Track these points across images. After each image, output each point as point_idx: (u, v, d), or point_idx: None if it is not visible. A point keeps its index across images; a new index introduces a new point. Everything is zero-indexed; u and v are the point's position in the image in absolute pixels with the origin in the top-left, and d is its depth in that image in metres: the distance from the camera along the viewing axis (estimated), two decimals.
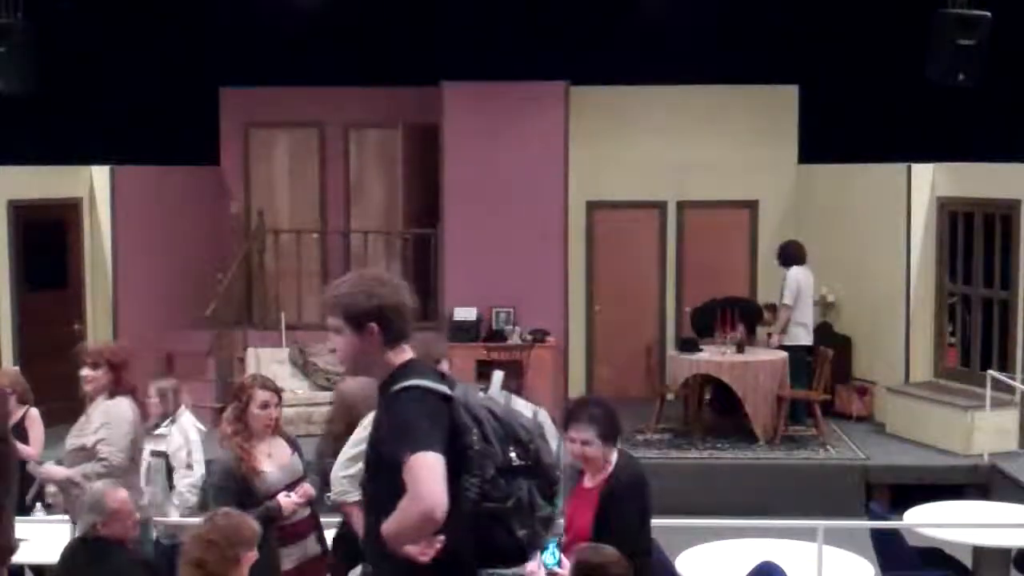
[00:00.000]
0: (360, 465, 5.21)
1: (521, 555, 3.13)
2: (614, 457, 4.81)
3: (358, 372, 3.40)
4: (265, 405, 5.30)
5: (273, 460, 5.30)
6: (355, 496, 5.29)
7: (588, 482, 4.89)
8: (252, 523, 4.27)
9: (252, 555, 4.12)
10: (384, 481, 3.11)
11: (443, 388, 3.12)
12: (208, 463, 5.82)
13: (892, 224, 11.29)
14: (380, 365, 3.22)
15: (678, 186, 12.69)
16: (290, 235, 12.55)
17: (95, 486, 5.38)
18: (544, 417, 3.19)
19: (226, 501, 5.06)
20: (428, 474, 2.95)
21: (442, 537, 3.01)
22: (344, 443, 5.09)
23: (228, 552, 4.02)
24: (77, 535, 5.31)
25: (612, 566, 4.12)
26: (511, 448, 3.09)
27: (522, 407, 3.20)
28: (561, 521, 4.95)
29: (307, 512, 5.36)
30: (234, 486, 5.14)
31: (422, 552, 3.01)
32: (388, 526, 3.03)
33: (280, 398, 5.48)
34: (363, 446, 5.23)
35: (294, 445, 5.52)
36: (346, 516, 5.36)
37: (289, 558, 5.19)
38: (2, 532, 4.05)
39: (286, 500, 5.20)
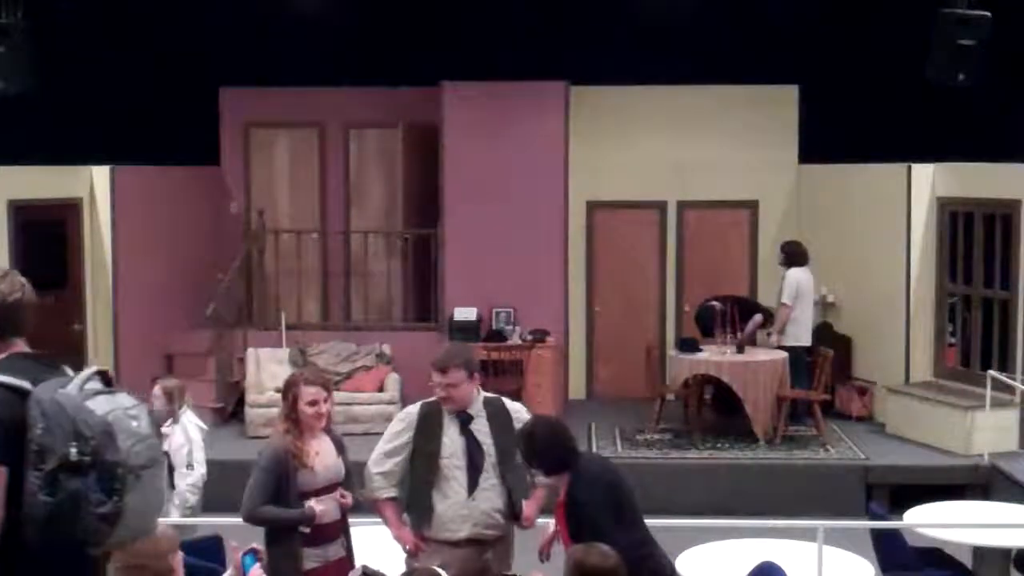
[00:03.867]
0: (395, 460, 5.24)
1: (80, 548, 3.19)
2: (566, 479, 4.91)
3: None
4: (313, 402, 5.16)
5: (320, 459, 5.18)
6: (388, 492, 5.29)
7: (561, 495, 4.94)
8: (166, 529, 4.16)
9: (179, 555, 4.07)
10: None
11: (20, 382, 3.23)
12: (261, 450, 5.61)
13: (892, 224, 11.28)
14: None
15: (678, 186, 12.68)
16: (290, 235, 12.54)
17: None
18: (134, 416, 3.17)
19: (266, 484, 5.03)
20: None
21: None
22: None
23: (160, 566, 3.97)
24: None
25: (609, 568, 4.10)
26: (72, 444, 3.12)
27: (119, 402, 3.22)
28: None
29: (338, 515, 5.26)
30: (277, 471, 5.07)
31: None
32: None
33: (330, 392, 5.31)
34: (397, 441, 5.26)
35: (340, 447, 5.36)
36: (378, 512, 5.37)
37: (311, 558, 5.12)
38: None
39: (320, 507, 5.10)
